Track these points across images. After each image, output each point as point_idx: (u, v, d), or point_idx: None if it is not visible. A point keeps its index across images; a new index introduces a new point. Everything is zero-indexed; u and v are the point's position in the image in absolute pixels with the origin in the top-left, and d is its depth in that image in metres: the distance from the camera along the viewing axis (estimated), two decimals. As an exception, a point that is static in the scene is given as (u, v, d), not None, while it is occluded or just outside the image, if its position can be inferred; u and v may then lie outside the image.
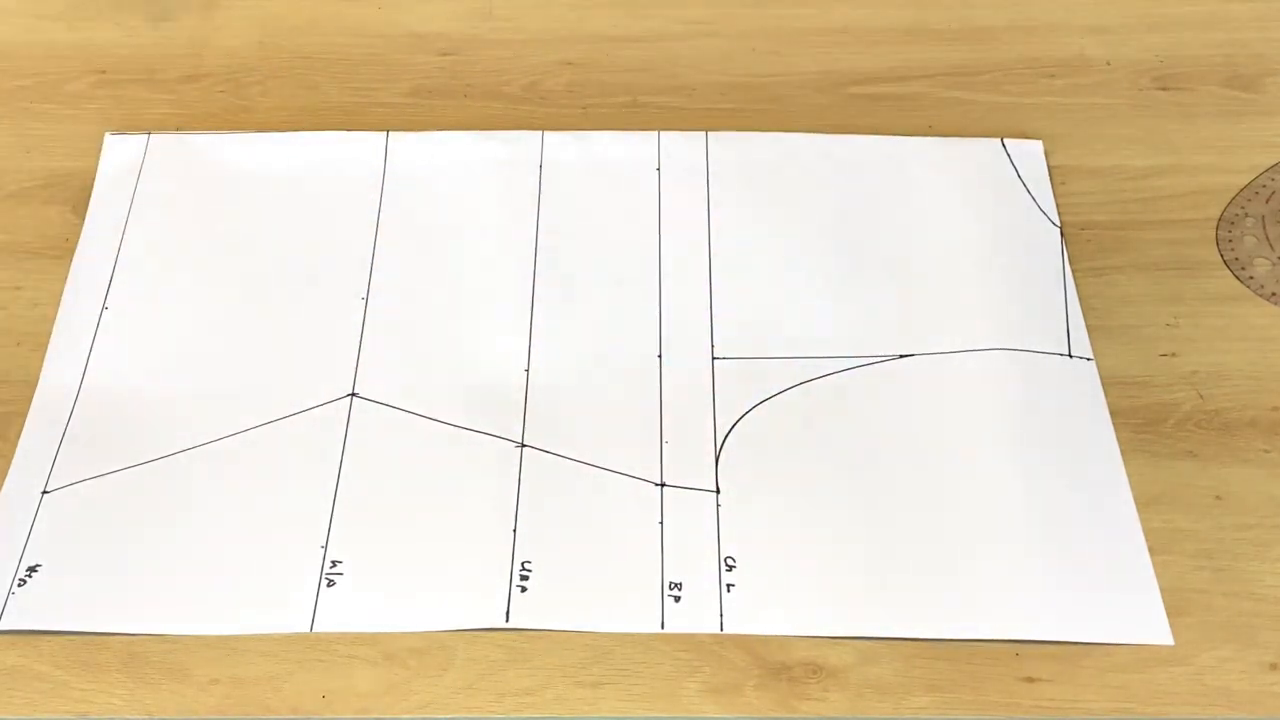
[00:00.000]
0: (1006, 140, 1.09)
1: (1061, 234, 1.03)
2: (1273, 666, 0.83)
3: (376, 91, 1.14)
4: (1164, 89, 1.14)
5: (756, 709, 0.81)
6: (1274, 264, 1.02)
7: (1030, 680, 0.82)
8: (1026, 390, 0.94)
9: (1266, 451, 0.92)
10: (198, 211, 1.04)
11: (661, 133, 1.09)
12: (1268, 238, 1.03)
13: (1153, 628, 0.84)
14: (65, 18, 1.19)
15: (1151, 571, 0.86)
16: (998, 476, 0.90)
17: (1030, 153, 1.08)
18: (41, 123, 1.11)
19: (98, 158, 1.08)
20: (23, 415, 0.93)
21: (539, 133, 1.09)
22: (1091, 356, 0.96)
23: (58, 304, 0.99)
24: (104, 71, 1.15)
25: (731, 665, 0.83)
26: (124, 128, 1.10)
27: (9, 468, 0.91)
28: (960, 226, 1.03)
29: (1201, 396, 0.94)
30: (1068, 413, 0.93)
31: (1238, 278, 1.01)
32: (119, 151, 1.08)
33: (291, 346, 0.96)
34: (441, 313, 0.98)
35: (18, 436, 0.92)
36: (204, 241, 1.02)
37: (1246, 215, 1.05)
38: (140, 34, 1.18)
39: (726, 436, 0.92)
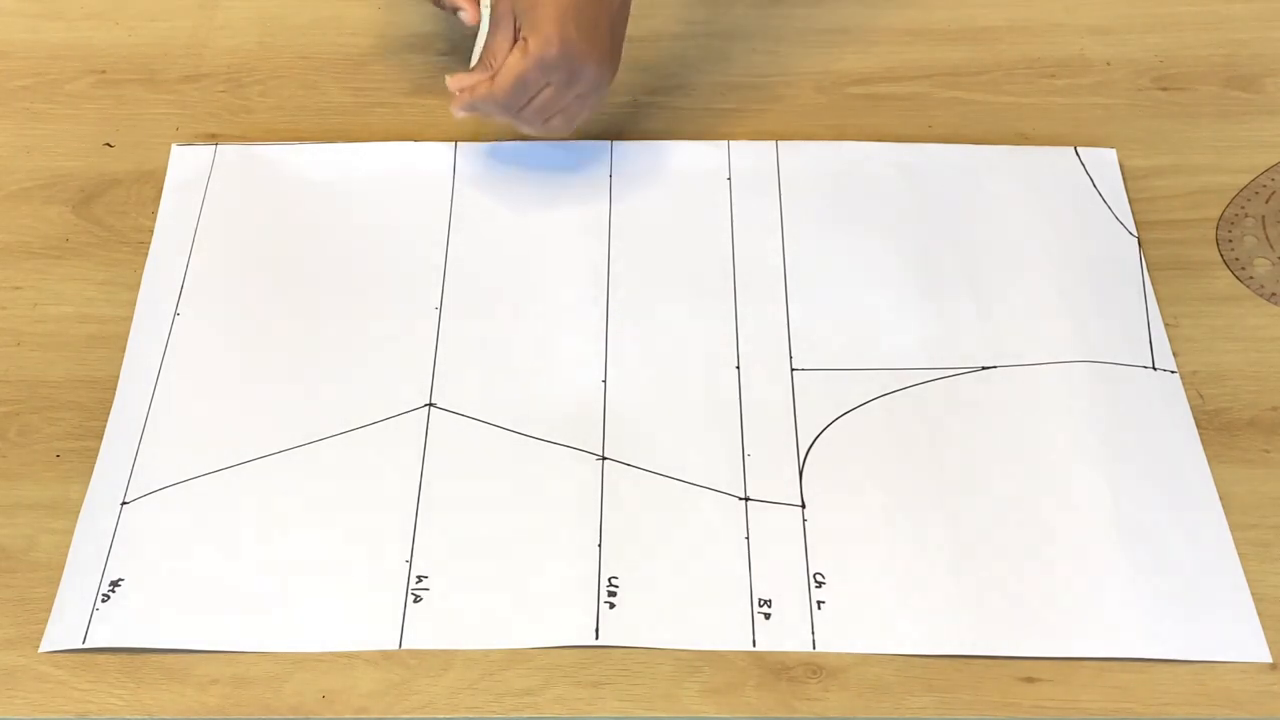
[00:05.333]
0: (1080, 149, 1.08)
1: (1139, 243, 1.02)
2: (1273, 667, 0.83)
3: (376, 91, 1.14)
4: (1164, 89, 1.14)
5: (756, 709, 0.81)
6: (1274, 264, 1.02)
7: (1030, 680, 0.82)
8: (1112, 404, 0.93)
9: (1267, 451, 0.92)
10: (267, 221, 1.04)
11: (731, 142, 1.08)
12: (1268, 238, 1.03)
13: (1250, 645, 0.83)
14: (65, 18, 1.19)
15: (1247, 589, 0.85)
16: (1087, 492, 0.89)
17: (1104, 161, 1.07)
18: (41, 123, 1.11)
19: (97, 158, 1.08)
20: (22, 415, 0.93)
21: (608, 142, 1.08)
22: (1175, 369, 0.95)
23: (58, 304, 0.99)
24: (104, 71, 1.15)
25: (731, 665, 0.83)
26: (128, 129, 1.10)
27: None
28: (1036, 236, 1.02)
29: (1202, 397, 0.94)
30: (1154, 427, 0.92)
31: (1238, 278, 1.01)
32: (186, 162, 1.07)
33: (366, 356, 0.96)
34: (516, 324, 0.98)
35: (18, 436, 0.92)
36: (274, 250, 1.02)
37: (1246, 215, 1.05)
38: (140, 34, 1.18)
39: (809, 449, 0.91)
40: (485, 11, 1.03)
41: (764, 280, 1.00)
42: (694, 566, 0.86)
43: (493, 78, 0.97)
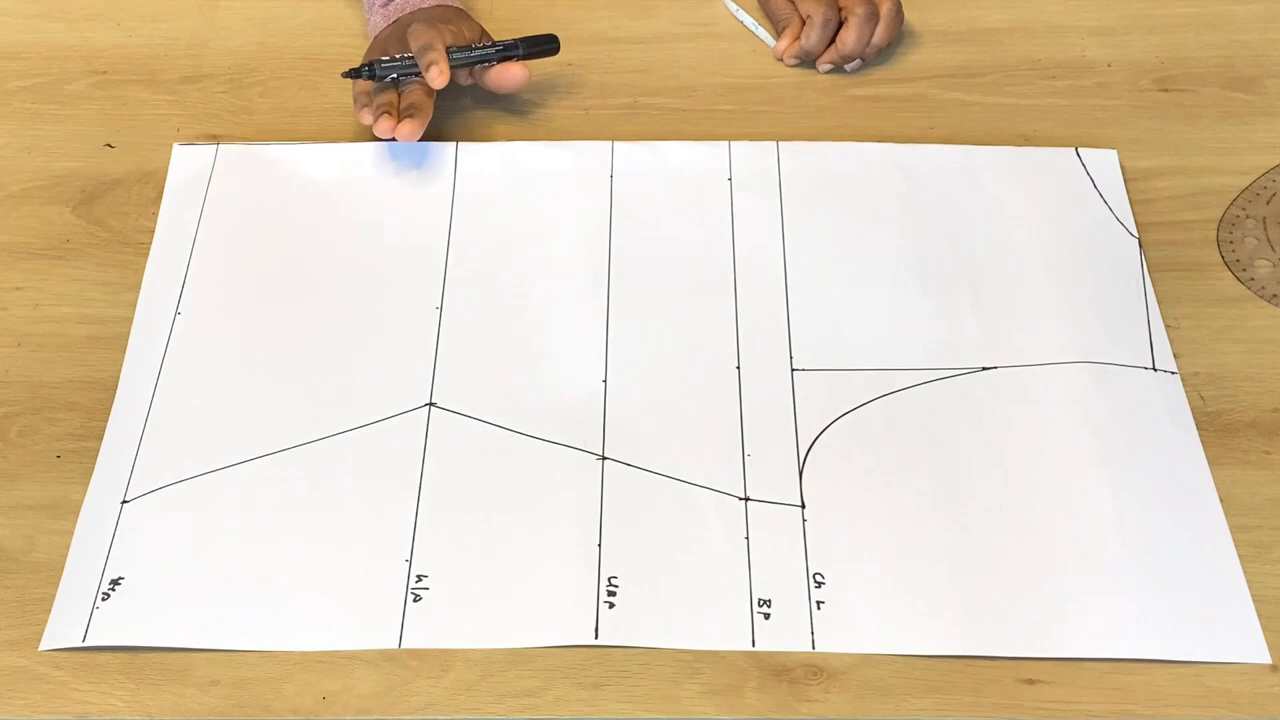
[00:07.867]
0: (1081, 149, 1.08)
1: (1140, 244, 1.02)
2: (1273, 668, 0.83)
3: (377, 92, 1.13)
4: (1165, 90, 1.14)
5: (757, 710, 0.81)
6: (1275, 265, 1.02)
7: (1031, 682, 0.82)
8: (1112, 404, 0.93)
9: (1267, 453, 0.92)
10: (268, 220, 1.04)
11: (732, 143, 1.08)
12: (1269, 239, 1.03)
13: (1250, 646, 0.83)
14: (65, 18, 1.19)
15: (1246, 589, 0.85)
16: (1086, 492, 0.89)
17: (1105, 162, 1.07)
18: (42, 123, 1.11)
19: (98, 158, 1.08)
20: (22, 416, 0.93)
21: (609, 143, 1.08)
22: (1176, 370, 0.95)
23: (58, 304, 0.99)
24: (104, 71, 1.15)
25: (732, 666, 0.82)
26: (129, 130, 1.10)
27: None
28: (1037, 237, 1.02)
29: (1203, 398, 0.94)
30: (1154, 427, 0.92)
31: (1239, 279, 1.01)
32: (188, 161, 1.07)
33: (366, 356, 0.96)
34: (516, 324, 0.98)
35: (18, 436, 0.92)
36: (275, 250, 1.02)
37: (1247, 217, 1.05)
38: (141, 34, 1.18)
39: (809, 449, 0.91)
40: None
41: (764, 280, 1.00)
42: (694, 566, 0.86)
43: None
